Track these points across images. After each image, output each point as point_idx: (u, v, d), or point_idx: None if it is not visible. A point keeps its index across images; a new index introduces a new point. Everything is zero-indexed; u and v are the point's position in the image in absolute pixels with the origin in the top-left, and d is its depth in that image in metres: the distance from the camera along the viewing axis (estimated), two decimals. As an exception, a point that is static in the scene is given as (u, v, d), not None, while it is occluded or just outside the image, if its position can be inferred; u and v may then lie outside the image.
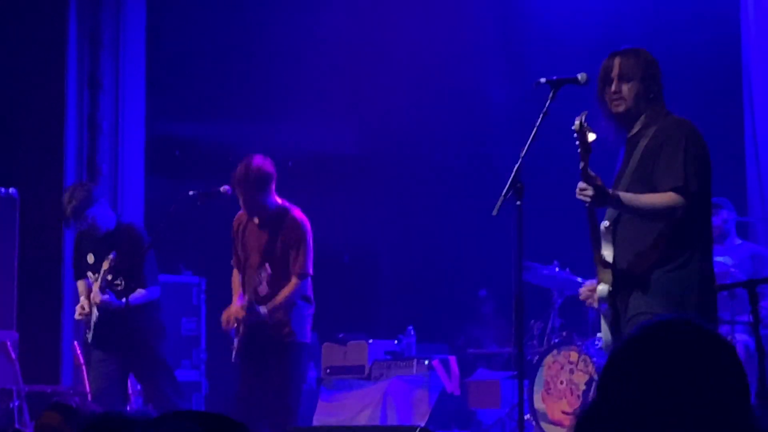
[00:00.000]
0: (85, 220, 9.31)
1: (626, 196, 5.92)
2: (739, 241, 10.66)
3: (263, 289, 8.75)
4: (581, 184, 5.84)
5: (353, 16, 13.38)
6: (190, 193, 9.12)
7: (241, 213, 9.09)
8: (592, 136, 5.86)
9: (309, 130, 13.94)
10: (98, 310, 9.26)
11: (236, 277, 9.13)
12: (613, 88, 6.12)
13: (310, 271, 8.91)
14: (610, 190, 5.88)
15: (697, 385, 2.17)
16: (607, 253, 6.06)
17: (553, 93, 6.34)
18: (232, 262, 9.16)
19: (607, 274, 6.04)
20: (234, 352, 8.96)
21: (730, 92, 12.28)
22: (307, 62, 13.46)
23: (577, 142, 5.86)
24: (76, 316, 9.51)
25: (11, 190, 10.39)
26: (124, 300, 9.18)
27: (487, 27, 13.61)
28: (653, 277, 5.94)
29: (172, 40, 13.06)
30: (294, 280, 8.84)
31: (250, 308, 8.73)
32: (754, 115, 12.16)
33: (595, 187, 5.81)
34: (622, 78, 6.12)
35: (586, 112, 5.95)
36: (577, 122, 5.86)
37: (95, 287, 9.19)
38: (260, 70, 13.60)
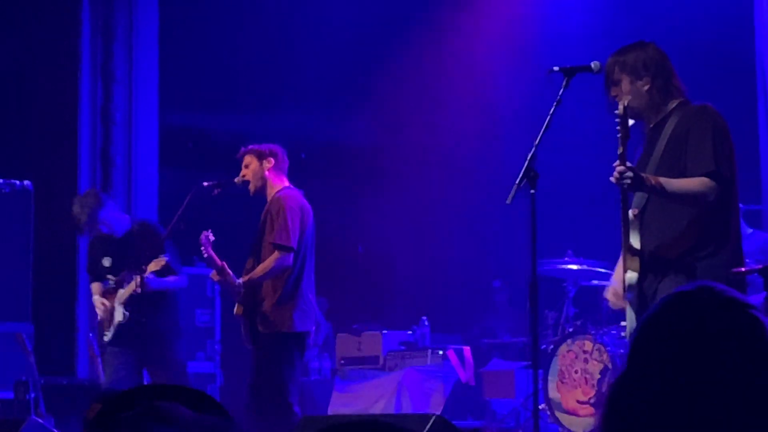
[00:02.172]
0: (101, 225, 9.39)
1: (661, 181, 5.94)
2: (750, 231, 10.66)
3: (206, 252, 8.77)
4: (621, 168, 5.85)
5: (364, 10, 13.39)
6: (204, 183, 9.15)
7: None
8: (631, 122, 5.91)
9: (322, 122, 13.96)
10: (126, 308, 9.36)
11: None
12: (612, 92, 6.15)
13: (292, 243, 8.78)
14: (646, 177, 5.91)
15: (724, 351, 2.17)
16: (635, 240, 6.07)
17: (567, 81, 6.30)
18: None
19: (635, 262, 6.04)
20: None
21: (744, 80, 12.26)
22: (320, 54, 13.47)
23: (618, 127, 5.89)
24: (100, 314, 9.56)
25: (26, 182, 10.41)
26: (171, 278, 9.30)
27: (498, 17, 13.60)
28: (684, 264, 5.96)
29: (185, 32, 13.07)
30: (274, 253, 8.75)
31: (222, 272, 8.72)
32: (768, 102, 12.16)
33: (633, 170, 5.84)
34: (619, 81, 6.13)
35: (629, 97, 5.97)
36: (620, 107, 5.91)
37: (129, 288, 9.30)
38: (273, 62, 13.61)
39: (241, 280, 8.70)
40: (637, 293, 6.04)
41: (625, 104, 5.92)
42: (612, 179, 5.90)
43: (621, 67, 6.13)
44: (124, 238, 9.49)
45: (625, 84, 6.12)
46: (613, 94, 6.14)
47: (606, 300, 6.59)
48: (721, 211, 6.00)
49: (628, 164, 5.86)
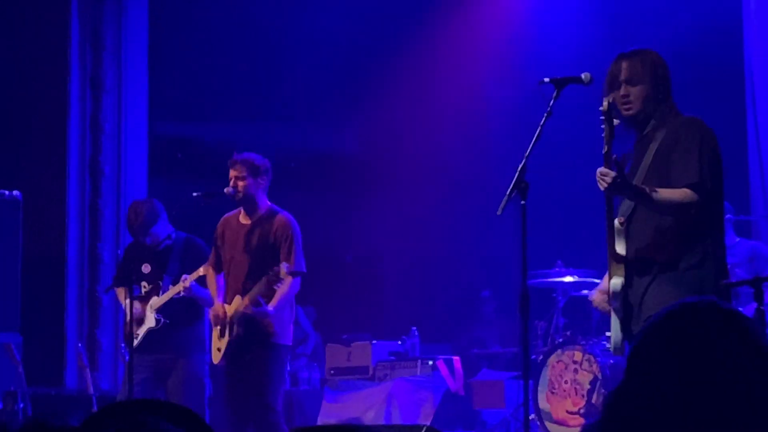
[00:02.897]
0: (150, 236, 9.45)
1: (646, 188, 5.94)
2: (737, 239, 10.69)
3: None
4: (602, 169, 5.84)
5: (355, 19, 13.39)
6: (194, 194, 9.16)
7: (226, 217, 9.17)
8: (615, 122, 5.90)
9: (311, 132, 13.97)
10: (158, 314, 9.40)
11: (212, 278, 9.16)
12: (622, 92, 6.11)
13: (304, 268, 8.90)
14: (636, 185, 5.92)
15: (724, 365, 2.18)
16: (621, 248, 6.06)
17: (557, 92, 6.29)
18: (209, 263, 9.20)
19: (620, 269, 6.03)
20: (219, 354, 8.98)
21: (733, 91, 12.29)
22: (310, 64, 13.47)
23: (602, 125, 5.89)
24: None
25: (15, 192, 10.40)
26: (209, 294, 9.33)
27: (487, 29, 13.62)
28: (669, 274, 5.94)
29: (174, 42, 13.07)
30: (289, 279, 8.81)
31: (256, 303, 8.74)
32: (757, 114, 12.17)
33: (619, 173, 5.83)
34: (630, 81, 6.09)
35: (613, 95, 5.98)
36: (605, 103, 5.90)
37: (170, 292, 9.33)
38: (263, 72, 13.62)
39: (273, 309, 8.77)
40: (621, 301, 6.03)
41: (610, 101, 5.93)
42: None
43: (644, 70, 6.10)
44: (165, 250, 9.55)
45: (647, 88, 6.09)
46: (623, 94, 6.11)
47: (595, 309, 6.58)
48: (706, 222, 5.99)
49: (617, 163, 5.87)
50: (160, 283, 9.46)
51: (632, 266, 6.02)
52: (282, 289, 8.78)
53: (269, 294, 8.76)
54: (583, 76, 6.27)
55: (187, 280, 9.23)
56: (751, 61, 12.28)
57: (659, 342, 2.26)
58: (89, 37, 12.33)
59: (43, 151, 11.69)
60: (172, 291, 9.37)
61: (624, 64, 6.13)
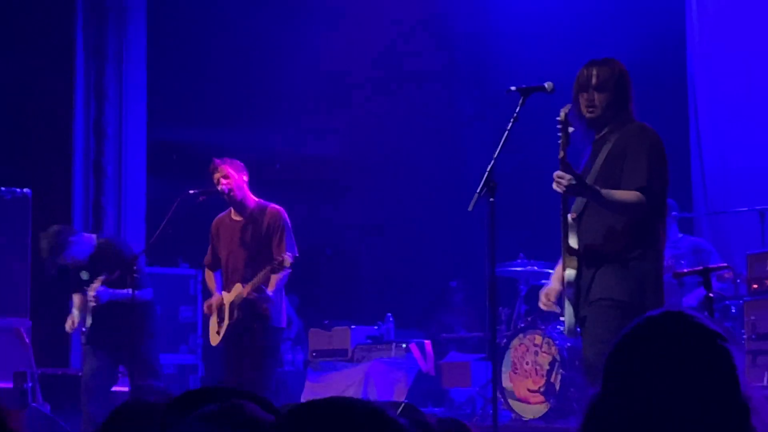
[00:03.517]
0: (65, 260, 9.30)
1: (601, 190, 5.92)
2: (680, 235, 10.70)
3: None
4: (558, 173, 5.84)
5: (335, 38, 13.38)
6: (191, 191, 9.10)
7: (219, 217, 9.12)
8: (571, 129, 5.88)
9: (295, 136, 13.92)
10: (91, 313, 9.27)
11: (210, 275, 9.19)
12: (588, 96, 6.10)
13: (297, 253, 8.85)
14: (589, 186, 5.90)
15: (690, 373, 2.15)
16: (573, 241, 6.05)
17: (523, 100, 6.27)
18: (205, 261, 9.16)
19: (574, 261, 6.03)
20: (218, 337, 8.93)
21: (677, 100, 12.31)
22: (294, 74, 13.45)
23: (560, 133, 5.88)
24: (67, 328, 9.50)
25: (25, 190, 10.36)
26: (126, 291, 9.15)
27: (459, 45, 13.61)
28: (616, 266, 5.94)
29: (171, 54, 13.03)
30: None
31: (259, 290, 8.69)
32: (699, 121, 12.20)
33: (575, 176, 5.81)
34: (598, 88, 6.07)
35: (569, 105, 5.96)
36: (562, 113, 5.90)
37: (90, 290, 9.21)
38: (251, 81, 13.59)
39: (273, 293, 8.73)
40: (574, 289, 6.02)
41: (567, 111, 5.91)
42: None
43: (612, 79, 6.08)
44: (90, 258, 9.40)
45: (610, 95, 6.07)
46: (589, 98, 6.07)
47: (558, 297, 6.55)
48: (651, 219, 5.99)
49: (570, 167, 5.85)
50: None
51: (583, 258, 6.02)
52: (277, 276, 8.76)
53: (266, 281, 8.73)
54: (546, 85, 6.26)
55: (90, 292, 9.14)
56: (693, 74, 12.31)
57: (628, 353, 2.22)
58: (93, 50, 12.29)
59: (51, 153, 11.63)
60: (89, 300, 9.26)
61: (595, 71, 6.10)
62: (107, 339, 9.36)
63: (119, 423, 2.91)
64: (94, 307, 9.26)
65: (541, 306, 6.38)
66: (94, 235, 9.68)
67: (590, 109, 6.08)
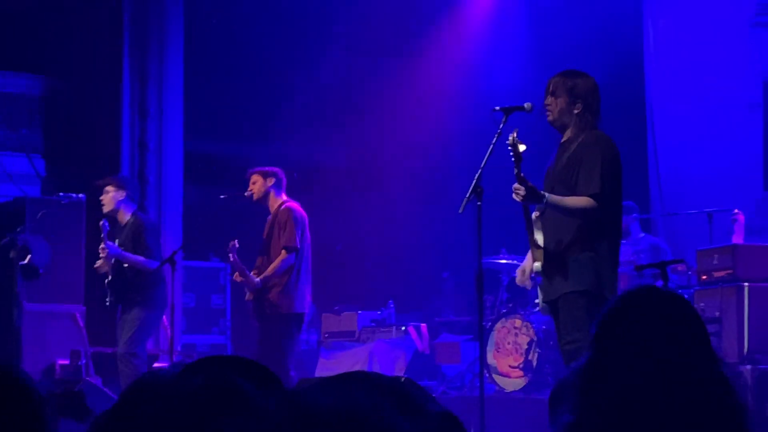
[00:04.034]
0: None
1: (554, 198, 5.90)
2: (641, 234, 10.70)
3: (233, 257, 8.68)
4: (516, 186, 5.84)
5: (343, 59, 13.40)
6: (222, 196, 9.11)
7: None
8: (522, 147, 5.87)
9: (309, 148, 13.91)
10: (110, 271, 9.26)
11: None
12: (546, 100, 6.09)
13: (296, 244, 8.76)
14: (540, 191, 5.86)
15: (672, 340, 2.15)
16: (539, 237, 6.05)
17: (505, 117, 6.28)
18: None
19: (539, 253, 6.03)
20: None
21: (636, 115, 12.29)
22: (310, 95, 13.44)
23: (511, 153, 5.85)
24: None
25: (80, 195, 10.36)
26: (137, 257, 9.14)
27: (450, 66, 13.60)
28: (574, 259, 5.91)
29: (205, 76, 13.02)
30: (282, 253, 8.74)
31: (243, 275, 8.65)
32: (655, 133, 12.19)
33: (528, 188, 5.79)
34: (553, 93, 6.06)
35: (517, 129, 5.94)
36: (510, 138, 5.87)
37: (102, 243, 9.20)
38: (273, 100, 13.57)
39: (258, 279, 8.65)
40: (543, 278, 6.01)
41: (515, 135, 5.87)
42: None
43: (564, 87, 6.03)
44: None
45: (562, 101, 6.03)
46: (547, 102, 6.07)
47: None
48: (604, 220, 5.93)
49: (526, 180, 5.85)
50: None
51: (547, 251, 5.99)
52: (274, 263, 8.69)
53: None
54: (525, 105, 6.28)
55: (101, 245, 9.12)
56: (650, 92, 12.29)
57: (612, 324, 2.22)
58: (137, 74, 12.27)
59: (101, 164, 11.61)
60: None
61: (554, 80, 6.10)
62: (115, 300, 9.34)
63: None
64: (111, 266, 9.21)
65: (517, 282, 6.34)
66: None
67: (547, 113, 6.08)
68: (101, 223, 9.21)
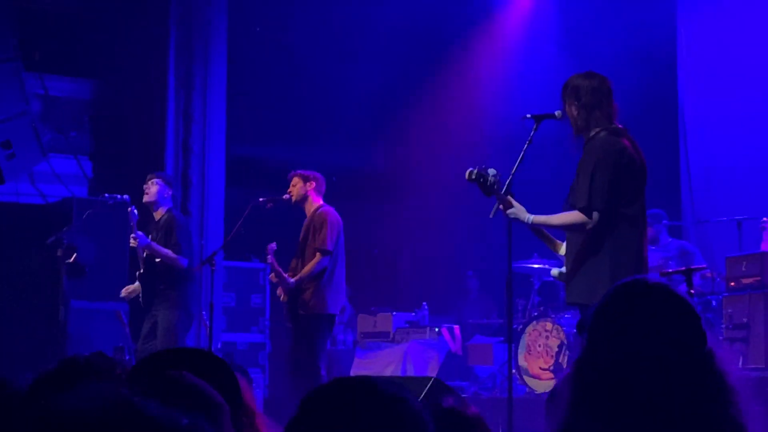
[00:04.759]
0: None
1: (539, 218, 5.89)
2: (669, 240, 10.67)
3: (270, 259, 8.77)
4: (502, 208, 5.93)
5: (382, 69, 13.43)
6: (260, 199, 9.19)
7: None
8: (492, 172, 5.90)
9: (348, 153, 13.97)
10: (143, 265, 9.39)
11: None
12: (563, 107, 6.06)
13: (329, 247, 8.83)
14: (523, 214, 5.89)
15: (656, 323, 2.15)
16: (563, 244, 6.06)
17: (536, 125, 6.20)
18: None
19: (564, 260, 6.07)
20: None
21: (669, 124, 12.26)
22: (349, 103, 13.49)
23: (479, 187, 5.94)
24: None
25: (125, 196, 10.43)
26: (168, 251, 9.24)
27: (485, 77, 13.62)
28: (583, 272, 5.84)
29: (247, 82, 13.12)
30: (317, 256, 8.80)
31: (279, 275, 8.73)
32: (687, 142, 12.16)
33: (511, 212, 5.86)
34: (565, 98, 5.98)
35: (473, 169, 5.97)
36: (467, 174, 5.93)
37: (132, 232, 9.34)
38: (313, 106, 13.64)
39: (293, 280, 8.74)
40: (565, 283, 6.00)
41: (472, 171, 5.93)
42: None
43: (567, 90, 5.96)
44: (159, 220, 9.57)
45: (569, 104, 5.95)
46: (564, 109, 6.03)
47: (563, 291, 6.57)
48: (598, 231, 5.76)
49: (514, 204, 5.93)
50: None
51: (567, 260, 5.98)
52: (308, 265, 8.76)
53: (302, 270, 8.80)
54: (556, 113, 6.15)
55: (132, 237, 9.23)
56: (683, 101, 12.27)
57: (604, 316, 2.22)
58: (183, 80, 12.37)
59: (147, 166, 11.69)
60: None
61: (565, 83, 6.04)
62: (146, 295, 9.43)
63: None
64: (148, 262, 9.32)
65: (555, 276, 6.32)
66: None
67: (570, 118, 5.97)
68: (130, 209, 9.33)
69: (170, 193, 9.67)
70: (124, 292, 9.66)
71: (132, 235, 9.28)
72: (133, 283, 9.91)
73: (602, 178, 5.71)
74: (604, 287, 5.71)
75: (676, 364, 2.11)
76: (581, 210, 5.73)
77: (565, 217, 5.81)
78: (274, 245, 8.82)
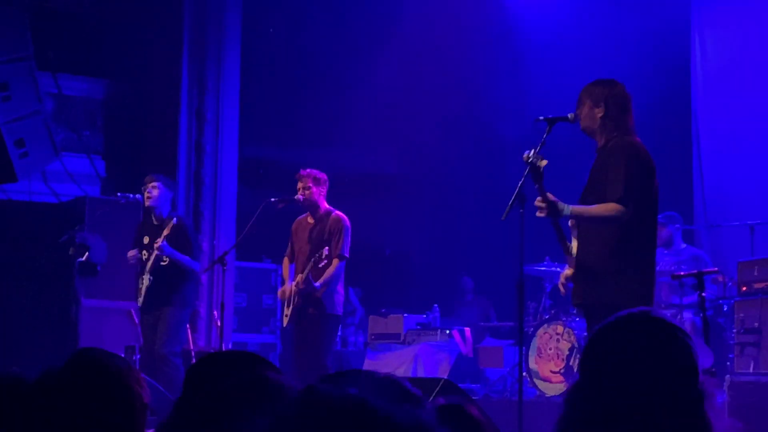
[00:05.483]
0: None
1: (577, 209, 5.83)
2: (683, 245, 10.61)
3: (320, 261, 8.75)
4: (537, 202, 5.81)
5: (398, 72, 13.41)
6: (272, 199, 9.15)
7: (298, 219, 9.18)
8: (543, 163, 5.75)
9: (361, 155, 13.95)
10: (151, 275, 9.27)
11: (286, 267, 9.20)
12: (577, 109, 6.09)
13: (347, 254, 8.88)
14: (561, 204, 5.79)
15: (656, 364, 2.12)
16: (574, 244, 6.02)
17: (549, 128, 6.15)
18: (286, 254, 9.19)
19: (572, 260, 6.02)
20: (286, 320, 8.95)
21: (682, 129, 12.19)
22: (362, 103, 13.48)
23: (528, 170, 5.78)
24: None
25: (137, 195, 10.43)
26: (185, 256, 9.18)
27: (498, 81, 13.57)
28: (600, 270, 5.83)
29: (260, 83, 13.10)
30: (335, 261, 8.82)
31: (307, 280, 8.71)
32: (700, 146, 12.09)
33: (549, 203, 5.75)
34: (578, 102, 6.06)
35: (536, 147, 5.85)
36: (525, 155, 5.77)
37: (157, 242, 9.23)
38: (326, 109, 13.63)
39: (319, 284, 8.74)
40: (573, 284, 6.00)
41: (532, 153, 5.76)
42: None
43: (587, 94, 6.02)
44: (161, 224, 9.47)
45: (587, 107, 6.01)
46: (577, 112, 6.07)
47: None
48: (634, 227, 5.81)
49: (548, 194, 5.78)
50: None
51: (578, 259, 5.96)
52: (329, 270, 8.78)
53: (320, 275, 8.76)
54: (569, 115, 6.16)
55: (158, 242, 9.16)
56: (696, 106, 12.20)
57: (600, 348, 2.19)
58: (196, 81, 12.36)
59: (160, 166, 11.68)
60: (153, 255, 9.30)
61: (583, 88, 6.10)
62: (155, 299, 9.39)
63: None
64: (156, 267, 9.27)
65: (560, 286, 6.30)
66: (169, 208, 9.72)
67: (578, 120, 6.05)
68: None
69: (170, 195, 9.62)
70: (130, 254, 9.54)
71: (157, 242, 9.21)
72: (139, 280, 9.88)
73: (636, 172, 5.80)
74: (634, 289, 5.73)
75: (664, 408, 2.08)
76: (618, 201, 5.75)
77: (602, 207, 5.80)
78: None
